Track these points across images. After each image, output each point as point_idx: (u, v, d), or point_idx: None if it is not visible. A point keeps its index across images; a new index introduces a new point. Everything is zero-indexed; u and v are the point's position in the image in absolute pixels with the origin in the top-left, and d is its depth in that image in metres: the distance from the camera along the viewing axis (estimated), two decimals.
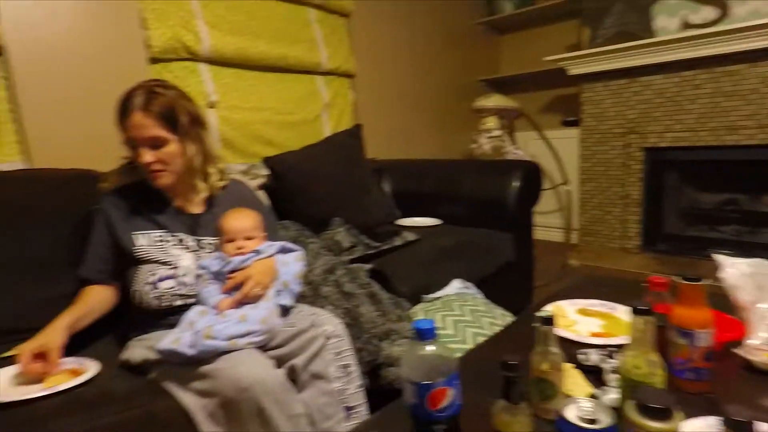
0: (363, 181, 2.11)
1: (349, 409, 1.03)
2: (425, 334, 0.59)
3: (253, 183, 1.79)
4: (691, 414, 0.63)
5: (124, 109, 1.06)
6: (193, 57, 1.90)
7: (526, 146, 3.34)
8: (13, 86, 1.48)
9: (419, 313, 1.41)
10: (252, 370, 0.92)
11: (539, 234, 3.43)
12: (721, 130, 2.48)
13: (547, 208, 3.42)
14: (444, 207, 2.21)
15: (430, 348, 0.59)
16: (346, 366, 1.05)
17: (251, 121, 2.14)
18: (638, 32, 2.68)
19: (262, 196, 1.79)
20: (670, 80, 2.60)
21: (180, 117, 1.09)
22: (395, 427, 0.72)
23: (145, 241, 1.12)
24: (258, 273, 1.08)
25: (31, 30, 1.49)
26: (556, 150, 3.02)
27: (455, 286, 1.59)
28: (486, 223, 2.02)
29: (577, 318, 1.07)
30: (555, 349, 0.69)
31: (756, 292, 0.85)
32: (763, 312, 0.80)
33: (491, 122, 2.87)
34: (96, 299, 1.13)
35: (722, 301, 0.96)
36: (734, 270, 0.92)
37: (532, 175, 2.05)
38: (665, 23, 2.72)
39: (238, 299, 1.05)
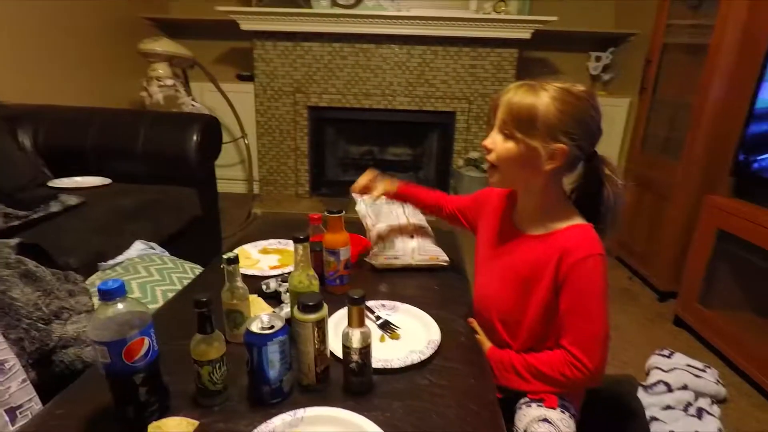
0: None
1: (15, 409, 0.88)
2: (112, 294, 0.59)
3: None
4: (340, 305, 0.89)
5: None
6: None
7: (203, 98, 3.26)
8: None
9: (96, 282, 1.28)
10: None
11: (224, 187, 3.51)
12: (360, 95, 3.15)
13: (229, 161, 3.51)
14: (114, 164, 1.98)
15: (120, 306, 0.60)
16: (0, 363, 0.88)
17: None
18: (299, 0, 3.00)
19: None
20: (324, 49, 3.07)
21: None
22: (86, 400, 0.70)
23: None
24: None
25: None
26: (233, 103, 3.09)
27: (138, 248, 1.51)
28: (166, 179, 1.94)
29: (259, 257, 1.23)
30: (240, 284, 0.82)
31: (375, 218, 1.22)
32: (378, 231, 1.17)
33: (162, 69, 2.65)
34: None
35: (358, 226, 1.32)
36: (362, 204, 1.28)
37: (211, 129, 2.08)
38: None
39: None
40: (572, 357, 0.78)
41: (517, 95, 0.77)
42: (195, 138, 1.97)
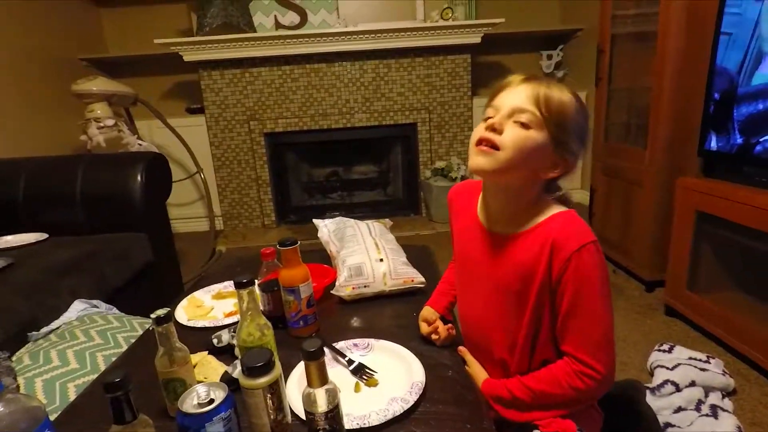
0: None
1: None
2: None
3: None
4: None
5: None
6: None
7: (152, 136, 3.10)
8: None
9: (25, 356, 1.10)
10: None
11: (183, 227, 3.32)
12: (317, 116, 3.04)
13: (187, 199, 3.32)
14: (51, 216, 1.80)
15: None
16: None
17: None
18: (242, 25, 2.89)
19: None
20: (274, 73, 2.96)
21: None
22: None
23: None
24: None
25: None
26: (185, 138, 2.93)
27: (77, 308, 1.33)
28: (112, 226, 1.77)
29: (213, 303, 1.09)
30: (178, 345, 0.67)
31: (339, 244, 1.10)
32: (343, 257, 1.04)
33: (100, 109, 2.48)
34: None
35: (324, 255, 1.19)
36: (325, 229, 1.15)
37: (157, 167, 1.92)
38: (262, 20, 3.05)
39: None
40: (580, 364, 0.68)
41: (549, 89, 0.68)
42: (139, 178, 1.81)
